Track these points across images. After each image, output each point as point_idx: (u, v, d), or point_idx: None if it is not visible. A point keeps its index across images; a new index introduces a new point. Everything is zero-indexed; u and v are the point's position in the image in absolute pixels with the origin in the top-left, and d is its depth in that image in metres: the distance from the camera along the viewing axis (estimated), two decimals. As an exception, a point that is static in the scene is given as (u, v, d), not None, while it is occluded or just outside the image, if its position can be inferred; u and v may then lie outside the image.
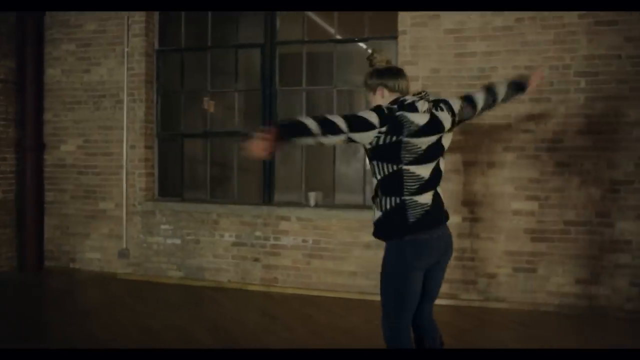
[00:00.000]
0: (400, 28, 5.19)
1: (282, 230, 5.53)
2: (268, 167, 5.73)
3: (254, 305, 5.03)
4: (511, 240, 4.94)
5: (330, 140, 2.49)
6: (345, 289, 5.32)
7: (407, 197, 2.53)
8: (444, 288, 4.95)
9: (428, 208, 2.55)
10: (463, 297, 5.04)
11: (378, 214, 2.62)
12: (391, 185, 2.55)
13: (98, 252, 6.18)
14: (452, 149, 4.89)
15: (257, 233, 5.61)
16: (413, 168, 2.51)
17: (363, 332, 4.26)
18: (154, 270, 5.95)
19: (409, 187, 2.53)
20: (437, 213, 2.62)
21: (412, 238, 2.54)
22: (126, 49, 6.01)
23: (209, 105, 6.23)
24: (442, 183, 2.65)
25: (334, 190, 5.65)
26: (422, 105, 2.53)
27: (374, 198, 2.66)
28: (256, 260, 5.61)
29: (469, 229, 5.02)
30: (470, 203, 5.03)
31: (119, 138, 6.06)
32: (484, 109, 2.92)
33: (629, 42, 4.66)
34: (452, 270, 5.05)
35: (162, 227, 5.92)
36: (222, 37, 6.07)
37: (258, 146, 2.41)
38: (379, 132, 2.48)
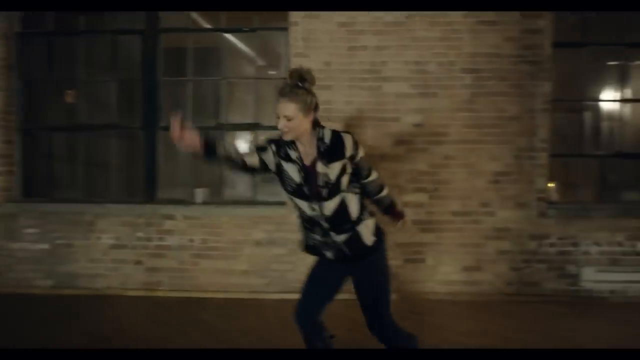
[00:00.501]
0: (291, 19, 5.09)
1: (167, 230, 5.17)
2: (150, 163, 5.34)
3: (139, 312, 4.64)
4: (401, 231, 5.04)
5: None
6: (237, 289, 5.11)
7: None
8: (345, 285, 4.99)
9: None
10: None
11: (367, 231, 2.74)
12: (363, 202, 2.79)
13: (-54, 262, 5.38)
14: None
15: (139, 234, 5.20)
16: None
17: (262, 332, 4.09)
18: (17, 280, 5.29)
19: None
20: None
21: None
22: (-20, 30, 5.31)
23: (68, 95, 5.68)
24: None
25: (222, 186, 5.41)
26: None
27: (355, 221, 2.70)
28: (138, 263, 5.20)
29: (362, 222, 5.06)
30: (363, 196, 5.07)
31: (-29, 131, 5.33)
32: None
33: (507, 41, 4.97)
34: (346, 265, 5.07)
35: (27, 231, 5.28)
36: (97, 21, 5.56)
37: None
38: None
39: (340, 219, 2.68)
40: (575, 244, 5.03)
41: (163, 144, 5.39)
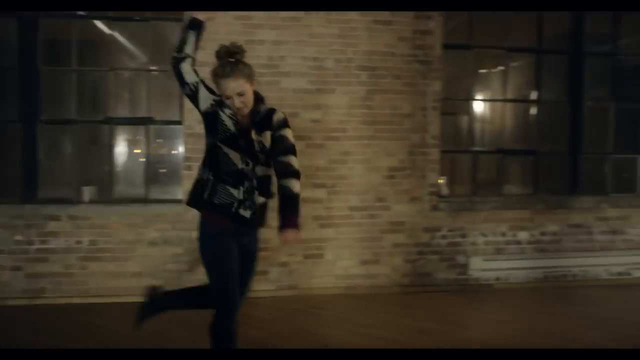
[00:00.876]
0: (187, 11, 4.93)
1: (51, 232, 4.80)
2: (29, 159, 4.92)
3: (22, 322, 4.26)
4: (301, 227, 5.07)
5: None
6: (129, 292, 4.86)
7: None
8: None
9: None
10: (257, 288, 5.01)
11: (268, 208, 2.89)
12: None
13: None
14: (242, 137, 4.89)
15: (18, 237, 4.77)
16: None
17: (171, 334, 3.91)
18: None
19: None
20: None
21: None
22: None
23: None
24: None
25: (111, 183, 5.12)
26: None
27: (270, 194, 2.84)
28: (17, 269, 4.79)
29: (261, 219, 5.02)
30: (262, 193, 5.03)
31: None
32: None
33: (401, 41, 5.15)
34: (245, 262, 5.01)
35: None
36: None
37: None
38: None
39: (265, 185, 2.81)
40: (464, 235, 5.34)
41: (44, 138, 5.01)
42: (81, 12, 5.03)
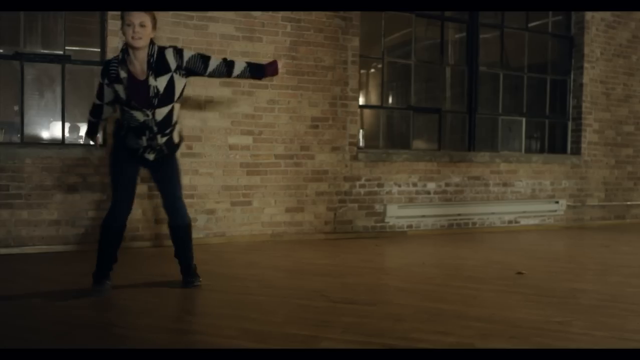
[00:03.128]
0: None
1: (-48, 176, 4.49)
2: None
3: None
4: (229, 175, 5.24)
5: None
6: (46, 242, 4.68)
7: None
8: (162, 229, 4.95)
9: None
10: (185, 235, 5.08)
11: (176, 134, 3.44)
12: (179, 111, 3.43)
13: None
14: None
15: None
16: None
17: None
18: None
19: None
20: None
21: None
22: None
23: None
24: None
25: (23, 124, 4.89)
26: None
27: (173, 125, 3.35)
28: None
29: (187, 165, 5.09)
30: (188, 138, 5.08)
31: None
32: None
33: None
34: (171, 210, 5.05)
35: None
36: None
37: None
38: None
39: (167, 124, 3.29)
40: (380, 185, 5.85)
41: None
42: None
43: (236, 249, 4.87)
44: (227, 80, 5.17)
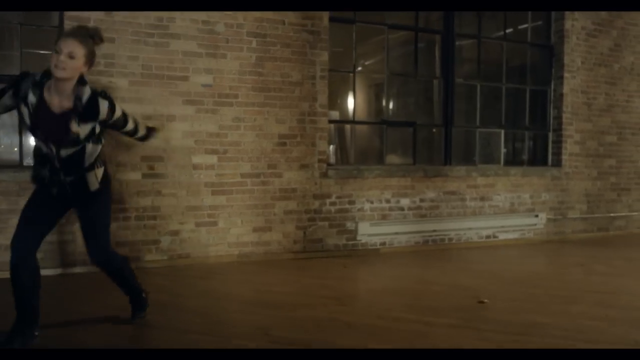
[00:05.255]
0: None
1: None
2: None
3: None
4: (193, 195, 5.17)
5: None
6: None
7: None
8: (125, 251, 4.90)
9: None
10: (147, 259, 5.01)
11: (94, 179, 3.05)
12: (101, 152, 3.11)
13: None
14: (128, 99, 4.87)
15: None
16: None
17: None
18: None
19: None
20: None
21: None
22: None
23: None
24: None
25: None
26: None
27: (87, 167, 3.00)
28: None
29: (150, 186, 5.02)
30: (150, 158, 5.03)
31: None
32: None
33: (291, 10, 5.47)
34: (133, 232, 4.99)
35: None
36: None
37: None
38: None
39: (74, 163, 2.96)
40: (351, 202, 5.76)
41: None
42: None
43: (199, 273, 4.79)
44: (190, 98, 5.12)
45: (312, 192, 5.59)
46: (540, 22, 7.06)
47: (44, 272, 3.13)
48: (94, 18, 4.85)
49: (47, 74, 2.81)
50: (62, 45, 2.73)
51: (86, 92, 2.86)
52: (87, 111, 2.86)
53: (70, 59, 2.72)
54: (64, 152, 2.89)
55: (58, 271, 4.72)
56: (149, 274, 4.72)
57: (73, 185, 2.98)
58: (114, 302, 3.62)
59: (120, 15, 4.89)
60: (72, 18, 4.73)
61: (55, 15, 4.88)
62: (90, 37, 2.85)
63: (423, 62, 6.48)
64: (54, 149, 2.86)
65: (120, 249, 4.93)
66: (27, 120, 2.82)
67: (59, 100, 2.82)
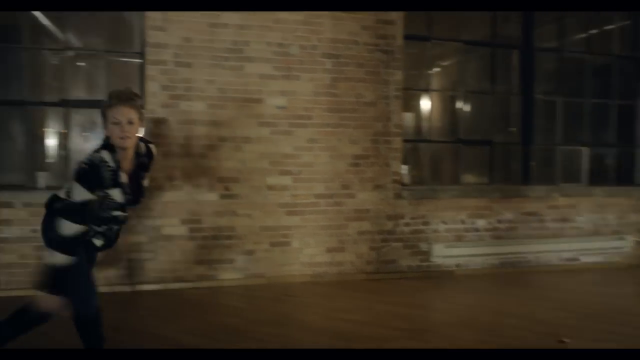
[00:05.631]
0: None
1: (3, 220, 4.72)
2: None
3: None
4: (267, 215, 5.24)
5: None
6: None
7: None
8: (202, 270, 5.03)
9: None
10: (223, 277, 5.12)
11: None
12: None
13: None
14: (205, 123, 5.01)
15: (-37, 226, 4.67)
16: None
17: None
18: None
19: None
20: None
21: None
22: None
23: None
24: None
25: (66, 168, 5.08)
26: None
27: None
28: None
29: (226, 206, 5.14)
30: (226, 179, 5.15)
31: None
32: None
33: (364, 30, 5.44)
34: (209, 251, 5.11)
35: None
36: None
37: None
38: None
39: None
40: (426, 223, 5.67)
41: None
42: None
43: (272, 294, 4.85)
44: (265, 120, 5.20)
45: (385, 213, 5.54)
46: (626, 26, 6.71)
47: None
48: (173, 44, 5.04)
49: (110, 147, 2.75)
50: (117, 115, 2.70)
51: (141, 146, 2.91)
52: (148, 161, 2.97)
53: (130, 125, 2.73)
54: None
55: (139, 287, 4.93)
56: (225, 293, 4.86)
57: (117, 234, 2.98)
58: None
59: (197, 40, 5.04)
60: (153, 45, 4.95)
61: (137, 42, 5.09)
62: (133, 99, 2.81)
63: (500, 77, 6.29)
64: (127, 210, 2.92)
65: (197, 267, 5.11)
66: (120, 199, 2.79)
67: (125, 167, 2.81)
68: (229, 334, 3.62)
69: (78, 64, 5.32)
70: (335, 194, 5.40)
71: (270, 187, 5.23)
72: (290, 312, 4.37)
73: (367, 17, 5.44)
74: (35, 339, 3.07)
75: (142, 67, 5.03)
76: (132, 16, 5.23)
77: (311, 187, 5.34)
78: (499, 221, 5.93)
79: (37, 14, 5.06)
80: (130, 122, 2.72)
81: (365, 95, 5.47)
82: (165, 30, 5.01)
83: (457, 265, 5.77)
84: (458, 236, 5.78)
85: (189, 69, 5.03)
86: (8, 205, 4.70)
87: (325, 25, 5.34)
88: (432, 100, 6.16)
